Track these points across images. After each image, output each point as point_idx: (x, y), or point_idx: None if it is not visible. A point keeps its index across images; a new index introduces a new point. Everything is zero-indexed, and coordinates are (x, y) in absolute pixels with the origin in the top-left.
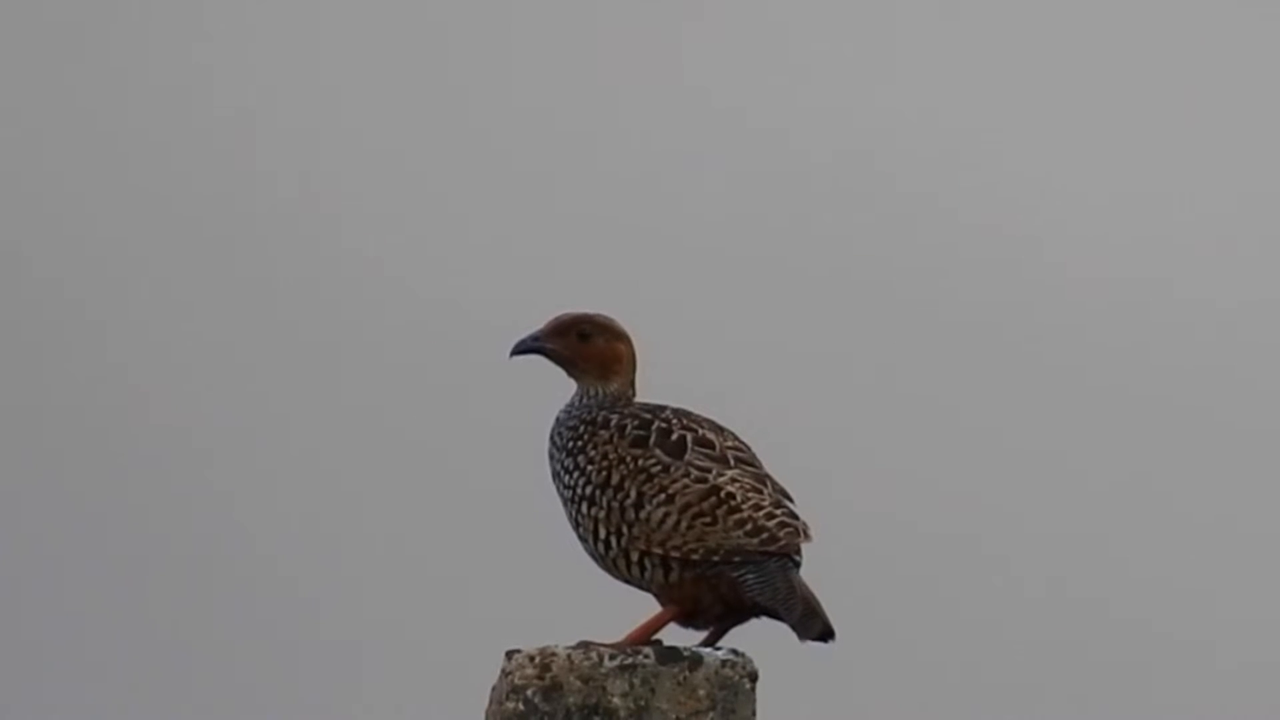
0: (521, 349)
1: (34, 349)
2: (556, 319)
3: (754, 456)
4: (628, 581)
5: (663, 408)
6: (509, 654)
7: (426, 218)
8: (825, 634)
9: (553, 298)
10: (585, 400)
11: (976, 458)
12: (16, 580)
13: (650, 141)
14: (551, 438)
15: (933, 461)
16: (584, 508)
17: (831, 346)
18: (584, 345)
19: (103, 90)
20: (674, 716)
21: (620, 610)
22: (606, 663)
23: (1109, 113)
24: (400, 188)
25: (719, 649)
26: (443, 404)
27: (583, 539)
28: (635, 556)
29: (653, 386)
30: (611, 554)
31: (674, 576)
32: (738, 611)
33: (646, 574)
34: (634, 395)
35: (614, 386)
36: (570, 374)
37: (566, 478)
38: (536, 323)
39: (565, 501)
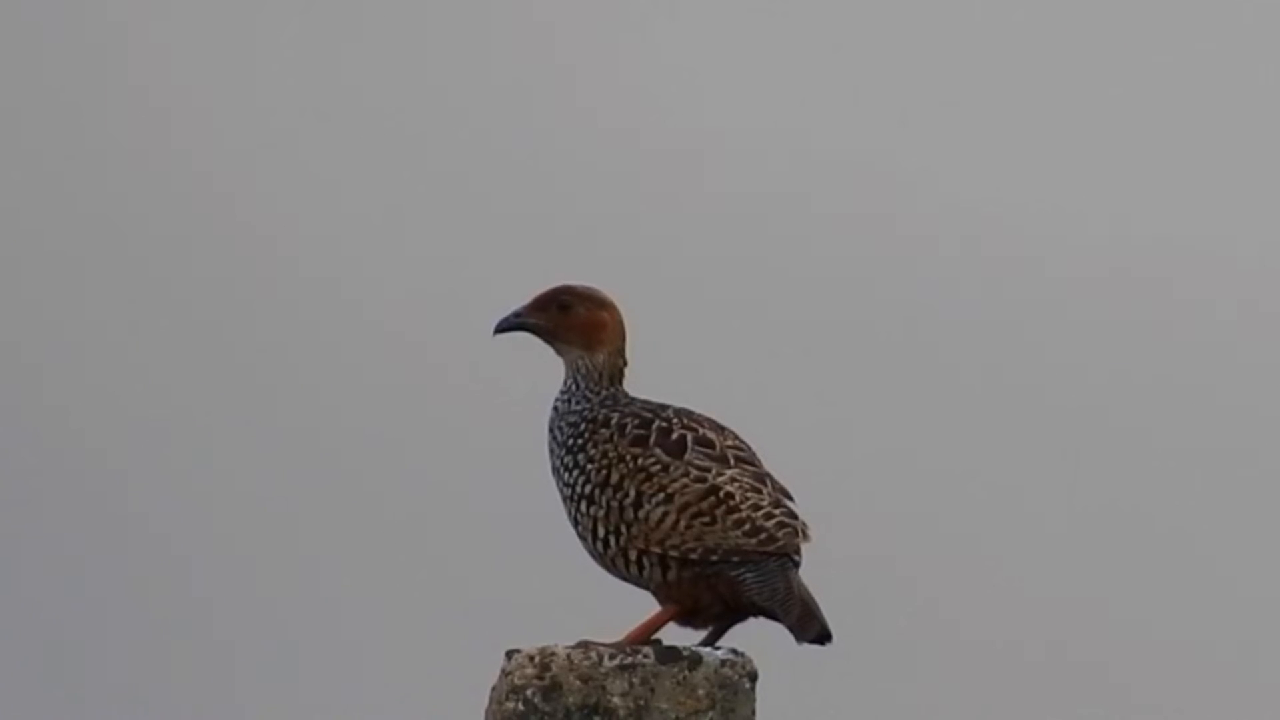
0: (504, 327)
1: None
2: (537, 294)
3: (754, 455)
4: (626, 579)
5: (665, 407)
6: (509, 654)
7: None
8: (822, 636)
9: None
10: (578, 382)
11: (977, 454)
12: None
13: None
14: (551, 430)
15: (934, 458)
16: (583, 506)
17: (832, 346)
18: (565, 316)
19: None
20: (674, 716)
21: (620, 610)
22: (606, 662)
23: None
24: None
25: (719, 649)
26: (443, 404)
27: (581, 537)
28: (633, 555)
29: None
30: (610, 553)
31: (672, 575)
32: (736, 611)
33: (645, 573)
34: (625, 364)
35: (600, 357)
36: (556, 349)
37: (566, 475)
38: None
39: (564, 499)
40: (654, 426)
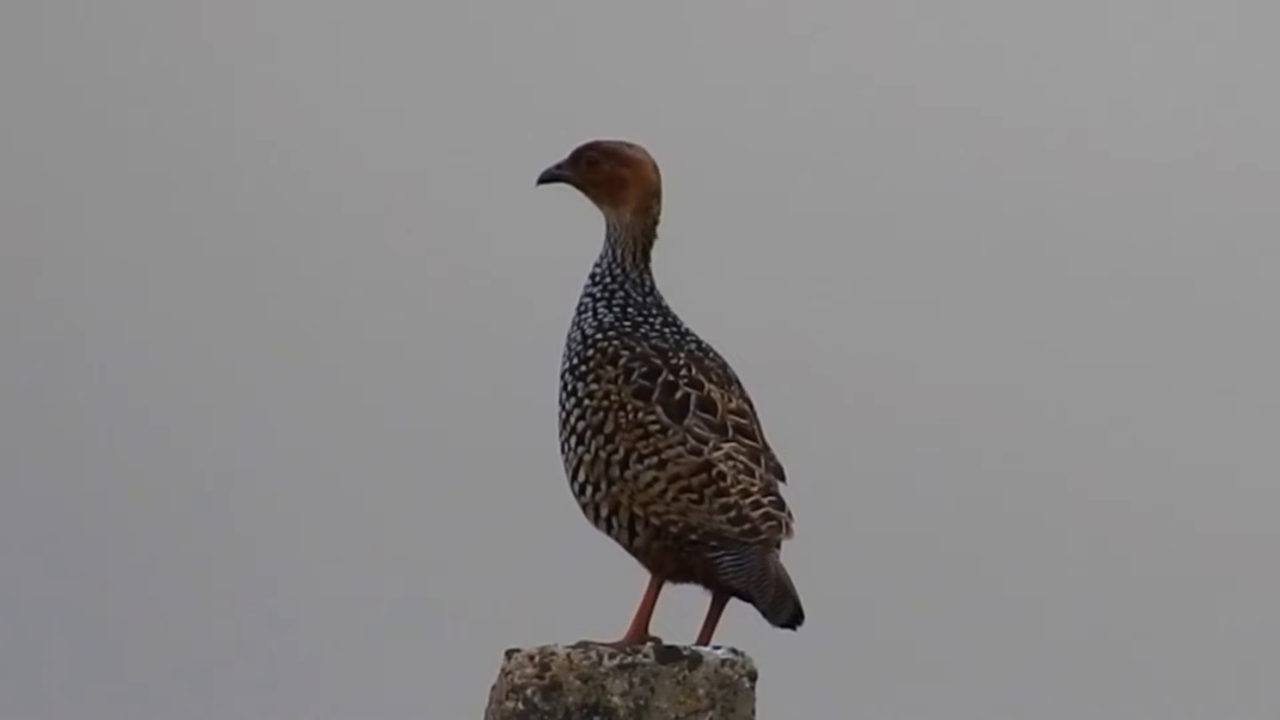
0: (545, 178)
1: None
2: (575, 148)
3: (754, 417)
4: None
5: (680, 345)
6: (509, 654)
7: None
8: (796, 618)
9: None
10: (609, 250)
11: (979, 448)
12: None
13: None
14: (578, 323)
15: (935, 454)
16: (572, 441)
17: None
18: (592, 171)
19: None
20: (673, 716)
21: (620, 610)
22: (606, 662)
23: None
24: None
25: (718, 648)
26: (443, 403)
27: (565, 467)
28: (605, 512)
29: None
30: (583, 500)
31: (640, 542)
32: (708, 587)
33: (613, 532)
34: (655, 223)
35: (626, 216)
36: (593, 202)
37: (566, 399)
38: (548, 329)
39: (559, 416)
40: (660, 380)
